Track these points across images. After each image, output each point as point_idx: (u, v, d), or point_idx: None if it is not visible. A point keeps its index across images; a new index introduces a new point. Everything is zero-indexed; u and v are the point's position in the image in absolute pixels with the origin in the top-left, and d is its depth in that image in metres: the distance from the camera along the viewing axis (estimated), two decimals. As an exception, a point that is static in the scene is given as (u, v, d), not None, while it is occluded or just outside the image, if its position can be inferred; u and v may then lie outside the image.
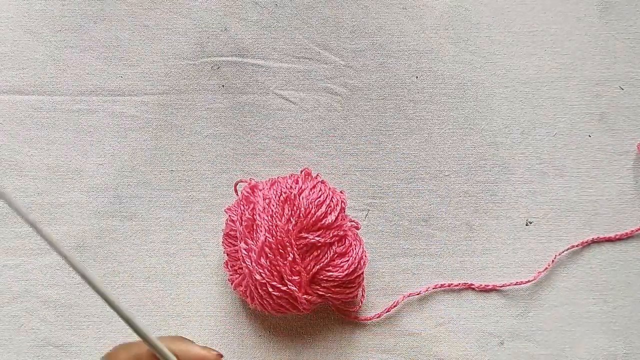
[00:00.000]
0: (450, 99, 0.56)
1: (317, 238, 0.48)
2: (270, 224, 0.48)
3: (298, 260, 0.48)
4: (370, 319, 0.53)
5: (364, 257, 0.50)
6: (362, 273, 0.50)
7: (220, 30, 0.56)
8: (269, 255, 0.48)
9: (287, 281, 0.48)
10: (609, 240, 0.54)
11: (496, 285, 0.54)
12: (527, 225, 0.55)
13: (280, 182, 0.50)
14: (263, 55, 0.56)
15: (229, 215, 0.51)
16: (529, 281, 0.54)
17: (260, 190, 0.50)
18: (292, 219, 0.48)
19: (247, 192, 0.51)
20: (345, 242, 0.50)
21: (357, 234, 0.52)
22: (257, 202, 0.49)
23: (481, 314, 0.54)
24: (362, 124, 0.56)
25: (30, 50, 0.56)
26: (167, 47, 0.56)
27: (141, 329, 0.36)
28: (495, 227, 0.55)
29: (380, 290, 0.54)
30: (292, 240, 0.48)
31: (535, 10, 0.57)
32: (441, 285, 0.54)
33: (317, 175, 0.52)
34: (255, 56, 0.56)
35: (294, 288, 0.48)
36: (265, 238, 0.48)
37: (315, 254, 0.49)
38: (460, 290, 0.54)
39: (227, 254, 0.51)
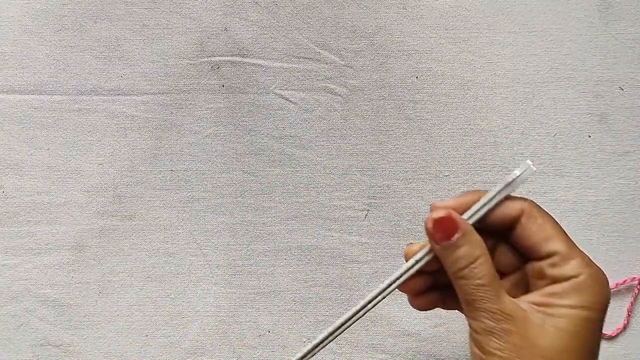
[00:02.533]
0: (450, 99, 0.56)
1: None
2: None
3: None
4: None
5: None
6: None
7: (220, 30, 0.56)
8: None
9: None
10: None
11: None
12: (526, 225, 0.55)
13: None
14: (263, 55, 0.56)
15: None
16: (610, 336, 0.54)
17: None
18: None
19: None
20: None
21: None
22: None
23: (481, 314, 0.54)
24: (362, 124, 0.56)
25: (30, 49, 0.56)
26: (167, 47, 0.56)
27: None
28: (495, 227, 0.55)
29: (380, 290, 0.54)
30: None
31: (535, 10, 0.57)
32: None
33: None
34: (255, 56, 0.56)
35: None
36: None
37: None
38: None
39: None
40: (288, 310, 0.54)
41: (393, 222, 0.55)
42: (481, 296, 0.37)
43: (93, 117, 0.56)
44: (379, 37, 0.57)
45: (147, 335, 0.54)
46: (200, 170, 0.55)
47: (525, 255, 0.39)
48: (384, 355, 0.53)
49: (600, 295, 0.37)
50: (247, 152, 0.55)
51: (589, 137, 0.56)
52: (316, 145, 0.56)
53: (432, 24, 0.57)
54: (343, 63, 0.56)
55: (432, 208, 0.39)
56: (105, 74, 0.56)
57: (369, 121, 0.56)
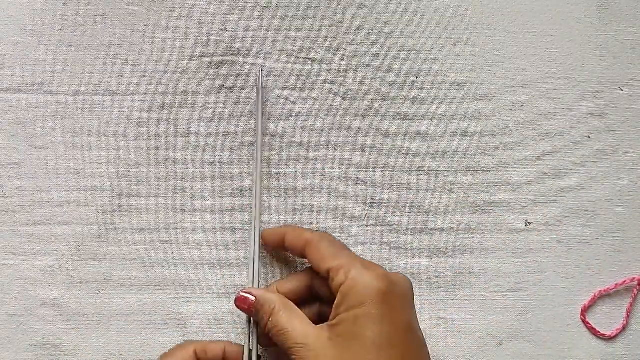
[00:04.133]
0: (450, 99, 0.56)
1: None
2: None
3: None
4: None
5: None
6: None
7: (220, 30, 0.56)
8: None
9: None
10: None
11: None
12: (526, 225, 0.55)
13: None
14: (263, 55, 0.56)
15: None
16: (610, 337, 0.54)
17: None
18: None
19: None
20: None
21: None
22: None
23: (480, 314, 0.54)
24: (362, 124, 0.56)
25: (30, 49, 0.56)
26: (167, 47, 0.56)
27: None
28: (495, 227, 0.55)
29: (379, 291, 0.54)
30: None
31: (535, 10, 0.57)
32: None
33: None
34: (255, 56, 0.56)
35: None
36: None
37: None
38: (456, 290, 0.54)
39: None
40: (287, 310, 0.54)
41: (393, 222, 0.55)
42: (280, 339, 0.44)
43: (93, 117, 0.56)
44: (379, 37, 0.57)
45: (146, 335, 0.54)
46: (200, 170, 0.55)
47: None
48: (383, 356, 0.53)
49: (368, 289, 0.42)
50: (247, 152, 0.55)
51: (589, 137, 0.56)
52: (316, 145, 0.56)
53: (432, 24, 0.57)
54: (343, 63, 0.56)
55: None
56: (105, 74, 0.56)
57: (369, 121, 0.56)
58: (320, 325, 0.44)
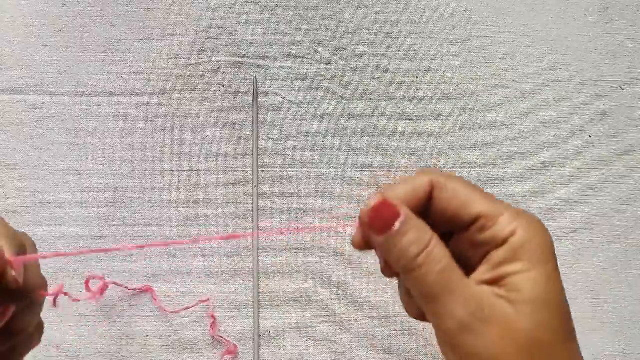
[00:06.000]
0: (450, 99, 0.56)
1: None
2: None
3: None
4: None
5: None
6: None
7: (220, 30, 0.56)
8: None
9: None
10: (609, 240, 0.54)
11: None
12: (527, 225, 0.55)
13: None
14: (263, 55, 0.56)
15: None
16: None
17: None
18: None
19: None
20: None
21: None
22: None
23: (481, 314, 0.54)
24: (362, 124, 0.56)
25: (30, 50, 0.56)
26: (167, 47, 0.56)
27: None
28: (495, 227, 0.55)
29: (380, 290, 0.54)
30: None
31: (535, 10, 0.57)
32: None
33: None
34: (255, 56, 0.56)
35: None
36: None
37: None
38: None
39: None
40: (288, 310, 0.54)
41: (393, 222, 0.55)
42: (446, 283, 0.31)
43: (93, 117, 0.56)
44: (380, 37, 0.57)
45: (147, 336, 0.54)
46: (200, 170, 0.55)
47: (451, 228, 0.34)
48: (384, 355, 0.53)
49: (545, 243, 0.32)
50: (247, 152, 0.55)
51: (590, 136, 0.56)
52: (316, 145, 0.56)
53: (432, 24, 0.57)
54: (343, 63, 0.56)
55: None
56: (105, 74, 0.56)
57: (369, 121, 0.56)
58: (492, 287, 0.32)
